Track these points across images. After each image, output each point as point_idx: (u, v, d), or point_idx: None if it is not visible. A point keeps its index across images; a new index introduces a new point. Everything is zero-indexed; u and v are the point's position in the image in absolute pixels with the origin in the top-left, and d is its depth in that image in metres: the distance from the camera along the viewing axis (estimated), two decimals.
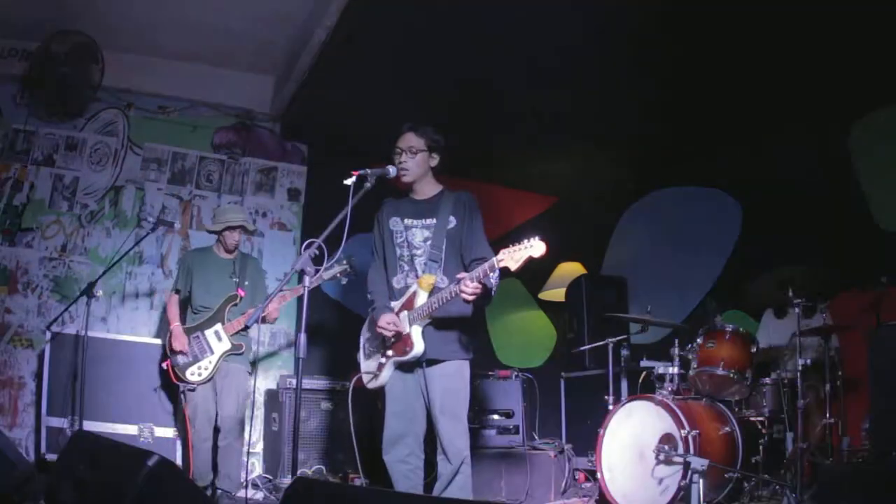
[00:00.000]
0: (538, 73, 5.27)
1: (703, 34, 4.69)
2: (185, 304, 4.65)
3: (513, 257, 2.90)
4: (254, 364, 4.84)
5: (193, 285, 4.54)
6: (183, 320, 4.53)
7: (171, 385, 4.55)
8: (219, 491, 4.30)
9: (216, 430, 4.38)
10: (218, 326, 4.36)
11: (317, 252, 2.94)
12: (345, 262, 4.38)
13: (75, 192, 5.83)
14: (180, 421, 4.71)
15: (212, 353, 4.33)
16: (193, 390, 4.34)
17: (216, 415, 4.38)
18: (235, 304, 4.44)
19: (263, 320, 4.35)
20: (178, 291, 4.59)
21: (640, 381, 4.92)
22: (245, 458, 4.52)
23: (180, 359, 4.36)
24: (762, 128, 5.68)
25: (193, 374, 4.33)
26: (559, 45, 4.92)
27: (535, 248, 2.87)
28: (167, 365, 4.39)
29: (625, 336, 5.16)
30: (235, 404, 4.37)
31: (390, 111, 3.70)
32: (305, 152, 6.64)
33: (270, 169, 6.50)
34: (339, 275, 4.45)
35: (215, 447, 4.41)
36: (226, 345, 4.33)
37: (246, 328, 4.16)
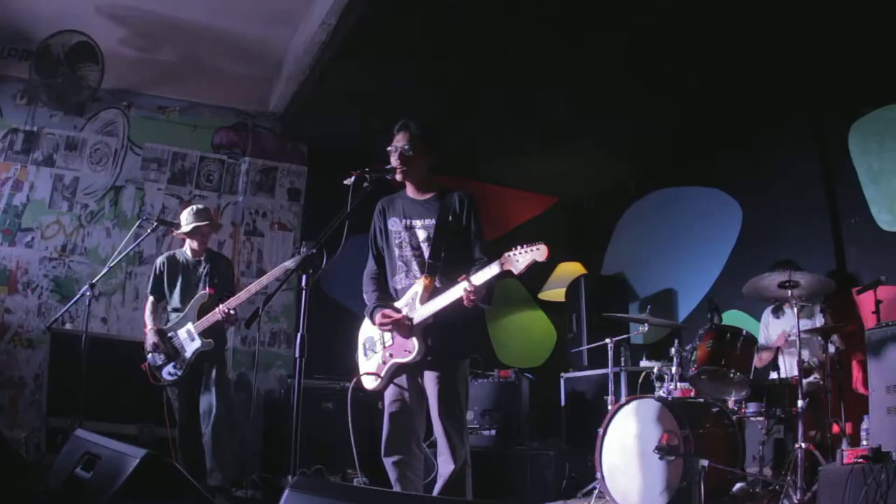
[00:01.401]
0: (538, 74, 5.27)
1: (703, 34, 4.70)
2: (163, 307, 4.68)
3: (517, 260, 2.89)
4: (254, 364, 4.81)
5: (166, 288, 4.60)
6: (162, 322, 4.58)
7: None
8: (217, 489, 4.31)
9: (202, 427, 4.40)
10: (189, 326, 4.41)
11: (314, 251, 2.93)
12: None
13: (75, 192, 5.84)
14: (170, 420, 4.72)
15: (185, 352, 4.39)
16: (174, 390, 4.43)
17: (199, 412, 4.41)
18: (205, 303, 4.46)
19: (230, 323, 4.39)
20: (152, 296, 4.62)
21: (640, 381, 4.92)
22: (235, 454, 4.51)
23: (156, 359, 4.43)
24: (762, 128, 5.69)
25: (169, 373, 4.41)
26: (560, 46, 4.93)
27: (539, 252, 2.86)
28: (145, 367, 4.44)
29: (625, 336, 5.16)
30: (216, 400, 4.40)
31: (390, 111, 3.69)
32: (305, 152, 6.65)
33: (270, 169, 6.50)
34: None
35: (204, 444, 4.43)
36: (197, 343, 4.37)
37: (247, 321, 4.14)
